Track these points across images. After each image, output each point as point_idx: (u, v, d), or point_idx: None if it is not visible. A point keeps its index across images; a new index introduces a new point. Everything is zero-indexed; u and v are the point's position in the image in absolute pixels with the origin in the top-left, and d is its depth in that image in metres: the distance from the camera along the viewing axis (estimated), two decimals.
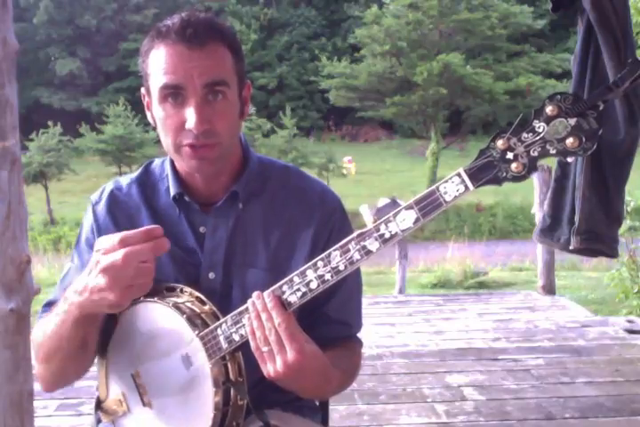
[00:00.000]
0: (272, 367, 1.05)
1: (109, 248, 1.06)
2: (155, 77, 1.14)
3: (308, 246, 1.24)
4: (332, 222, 1.27)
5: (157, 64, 1.13)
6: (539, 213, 4.91)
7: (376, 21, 21.65)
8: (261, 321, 1.05)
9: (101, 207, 1.30)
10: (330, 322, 1.28)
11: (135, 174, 1.34)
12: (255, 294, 1.07)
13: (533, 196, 5.29)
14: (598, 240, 2.55)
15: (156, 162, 1.34)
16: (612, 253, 2.63)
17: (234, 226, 1.24)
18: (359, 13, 25.65)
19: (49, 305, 1.29)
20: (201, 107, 1.12)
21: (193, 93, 1.12)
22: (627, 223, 4.87)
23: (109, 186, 1.33)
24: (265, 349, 1.05)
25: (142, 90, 1.22)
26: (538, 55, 23.81)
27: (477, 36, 21.85)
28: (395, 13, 21.55)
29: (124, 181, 1.33)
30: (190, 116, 1.11)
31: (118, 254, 1.04)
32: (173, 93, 1.13)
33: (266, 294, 1.06)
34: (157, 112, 1.16)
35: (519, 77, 21.50)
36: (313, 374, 1.07)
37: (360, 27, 23.40)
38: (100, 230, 1.28)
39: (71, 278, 1.25)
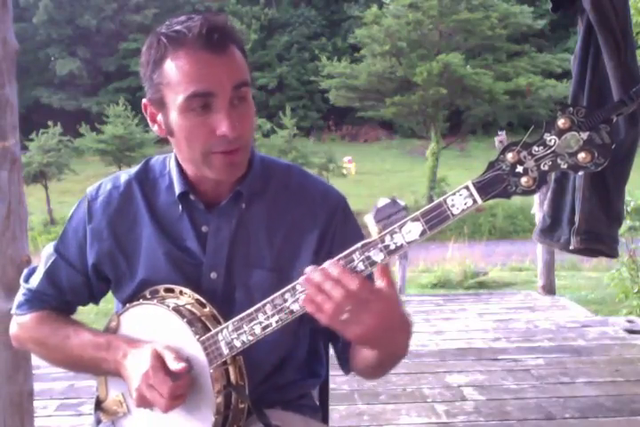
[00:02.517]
0: (359, 329, 0.97)
1: (161, 390, 1.10)
2: (178, 87, 1.10)
3: (313, 246, 1.23)
4: (337, 220, 1.26)
5: (180, 73, 1.09)
6: (539, 213, 4.91)
7: (376, 21, 21.62)
8: (325, 293, 0.97)
9: (97, 207, 1.28)
10: None
11: (134, 170, 1.31)
12: (310, 268, 0.99)
13: (533, 196, 5.29)
14: (598, 240, 2.55)
15: (157, 158, 1.32)
16: (612, 253, 2.63)
17: (237, 226, 1.23)
18: (359, 13, 25.61)
19: (34, 292, 1.31)
20: (231, 112, 1.11)
21: (223, 99, 1.10)
22: (627, 223, 4.86)
23: (107, 183, 1.30)
24: (344, 317, 0.97)
25: (145, 101, 1.18)
26: (538, 55, 23.78)
27: (477, 36, 21.81)
28: (395, 13, 21.52)
29: (123, 177, 1.30)
30: (223, 122, 1.10)
31: (161, 402, 1.10)
32: (201, 101, 1.10)
33: (328, 263, 0.99)
34: (179, 122, 1.12)
35: (519, 77, 21.46)
36: (398, 318, 1.02)
37: (360, 27, 23.36)
38: (93, 232, 1.27)
39: (61, 272, 1.29)
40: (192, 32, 1.09)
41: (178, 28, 1.10)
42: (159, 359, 1.11)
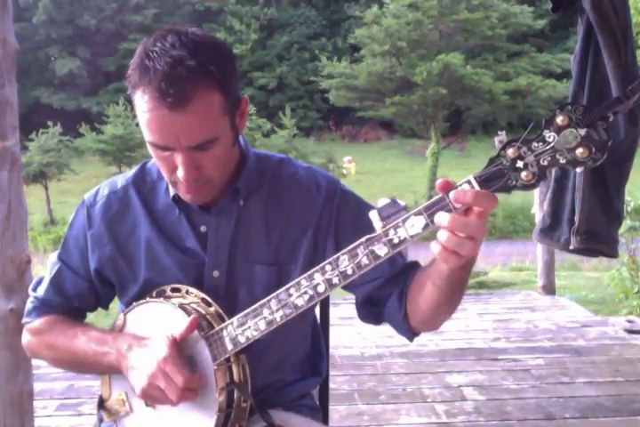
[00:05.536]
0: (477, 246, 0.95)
1: (172, 378, 1.08)
2: (141, 124, 1.09)
3: (312, 238, 1.23)
4: (336, 202, 1.26)
5: (142, 115, 1.08)
6: (539, 213, 4.91)
7: (376, 21, 21.61)
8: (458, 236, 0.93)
9: (97, 213, 1.28)
10: (395, 274, 1.23)
11: (131, 174, 1.31)
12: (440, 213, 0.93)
13: (533, 196, 5.29)
14: (598, 240, 2.55)
15: (153, 162, 1.30)
16: (611, 253, 2.63)
17: (236, 223, 1.23)
18: (359, 13, 25.58)
19: (41, 300, 1.32)
20: (189, 160, 1.09)
21: (180, 152, 1.09)
22: (627, 223, 4.86)
23: (105, 188, 1.30)
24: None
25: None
26: (538, 55, 23.80)
27: (477, 36, 21.81)
28: (395, 13, 21.51)
29: (120, 181, 1.30)
30: (180, 168, 1.10)
31: (175, 391, 1.08)
32: (161, 148, 1.10)
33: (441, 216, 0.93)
34: (148, 147, 1.12)
35: (519, 77, 21.47)
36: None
37: (360, 27, 23.35)
38: (93, 237, 1.28)
39: (65, 280, 1.30)
40: (155, 76, 1.03)
41: (147, 62, 1.05)
42: (176, 348, 1.11)
